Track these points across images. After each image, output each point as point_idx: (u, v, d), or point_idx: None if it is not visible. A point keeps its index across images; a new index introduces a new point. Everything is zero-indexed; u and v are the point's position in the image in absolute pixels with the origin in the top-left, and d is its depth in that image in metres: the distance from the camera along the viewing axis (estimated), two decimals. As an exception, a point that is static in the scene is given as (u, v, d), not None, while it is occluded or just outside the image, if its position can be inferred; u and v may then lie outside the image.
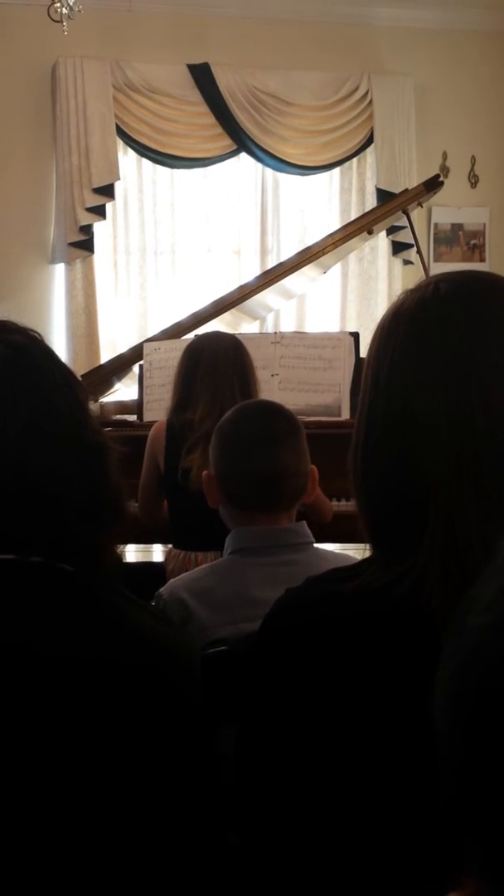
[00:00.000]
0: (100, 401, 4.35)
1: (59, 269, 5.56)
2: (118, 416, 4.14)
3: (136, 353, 4.09)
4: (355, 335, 3.75)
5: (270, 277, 4.40)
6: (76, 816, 0.95)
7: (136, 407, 3.82)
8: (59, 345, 5.41)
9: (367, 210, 5.22)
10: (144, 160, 5.62)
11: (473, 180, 6.03)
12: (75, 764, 0.96)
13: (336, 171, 5.82)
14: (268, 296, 4.58)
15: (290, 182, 5.81)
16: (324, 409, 3.66)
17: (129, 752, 0.97)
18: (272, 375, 3.67)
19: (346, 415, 3.60)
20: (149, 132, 5.54)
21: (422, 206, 5.04)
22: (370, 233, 4.56)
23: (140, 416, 3.74)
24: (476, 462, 0.95)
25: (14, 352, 1.07)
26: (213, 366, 2.83)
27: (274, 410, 1.87)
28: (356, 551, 1.74)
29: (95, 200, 5.43)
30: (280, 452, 1.77)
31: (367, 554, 1.04)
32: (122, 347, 4.86)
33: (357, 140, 5.78)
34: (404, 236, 5.39)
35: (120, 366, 4.26)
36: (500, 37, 5.89)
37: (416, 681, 0.80)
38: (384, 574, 0.97)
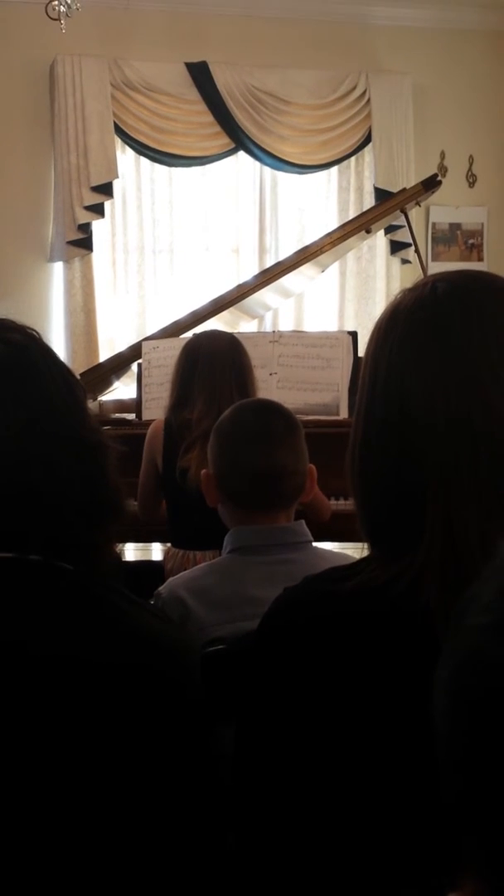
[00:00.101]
0: (98, 399, 4.35)
1: (58, 268, 5.55)
2: (117, 415, 4.13)
3: (134, 352, 4.08)
4: (353, 334, 3.75)
5: (269, 276, 4.39)
6: (76, 817, 0.95)
7: (135, 405, 3.82)
8: (58, 343, 5.40)
9: (365, 209, 5.22)
10: (143, 158, 5.61)
11: (471, 180, 6.03)
12: (74, 764, 0.95)
13: (334, 169, 5.81)
14: (266, 294, 4.57)
15: (288, 181, 5.80)
16: (322, 408, 3.66)
17: (128, 752, 0.97)
18: (270, 374, 3.67)
19: (344, 414, 3.59)
20: (147, 130, 5.54)
21: (420, 206, 5.04)
22: (368, 232, 4.56)
23: (139, 415, 3.74)
24: (474, 461, 0.95)
25: (12, 350, 1.07)
26: (210, 364, 2.83)
27: (272, 409, 1.87)
28: (354, 550, 1.73)
29: (94, 199, 5.42)
30: (278, 451, 1.77)
31: (366, 553, 1.04)
32: (121, 346, 4.85)
33: (355, 139, 5.77)
34: (402, 235, 5.40)
35: (118, 364, 4.26)
36: (499, 36, 5.89)
37: (415, 680, 0.80)
38: (382, 573, 0.97)
